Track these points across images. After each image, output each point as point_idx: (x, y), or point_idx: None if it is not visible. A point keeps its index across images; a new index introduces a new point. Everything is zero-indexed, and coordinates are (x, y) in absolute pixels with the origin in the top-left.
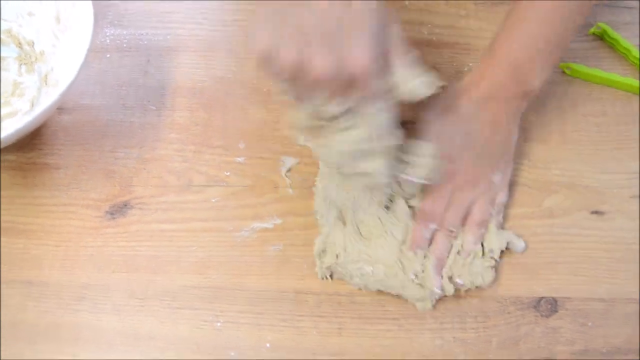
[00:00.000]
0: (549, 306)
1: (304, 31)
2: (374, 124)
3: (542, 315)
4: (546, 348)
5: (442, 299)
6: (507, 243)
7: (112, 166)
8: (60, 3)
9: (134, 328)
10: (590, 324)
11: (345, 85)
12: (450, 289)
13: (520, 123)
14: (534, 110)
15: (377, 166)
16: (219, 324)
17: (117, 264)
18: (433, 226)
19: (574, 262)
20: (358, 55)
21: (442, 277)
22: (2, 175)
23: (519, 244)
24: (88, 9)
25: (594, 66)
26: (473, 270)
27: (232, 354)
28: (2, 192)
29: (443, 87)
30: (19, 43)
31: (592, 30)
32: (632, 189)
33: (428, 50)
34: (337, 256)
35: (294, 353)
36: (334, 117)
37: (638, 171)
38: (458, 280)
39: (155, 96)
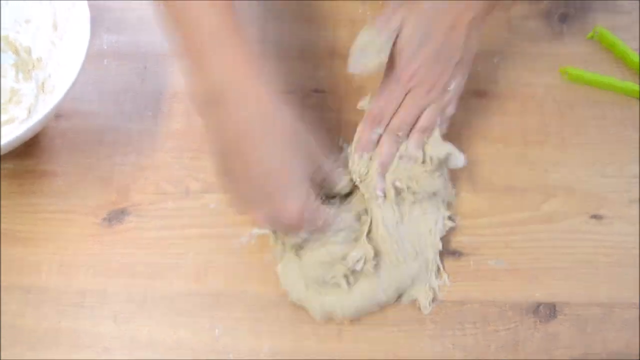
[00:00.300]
0: (547, 311)
1: (243, 193)
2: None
3: (541, 321)
4: (545, 353)
5: (441, 304)
6: (448, 155)
7: (110, 173)
8: (57, 10)
9: (132, 334)
10: (589, 329)
11: (288, 228)
12: (391, 194)
13: (480, 37)
14: (532, 113)
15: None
16: (217, 330)
17: (115, 271)
18: (380, 130)
19: (573, 267)
20: (287, 212)
21: (384, 180)
22: None
23: (459, 158)
24: (85, 15)
25: (592, 70)
26: (412, 175)
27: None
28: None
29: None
30: (16, 50)
31: (590, 34)
32: (631, 193)
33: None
34: None
35: (293, 359)
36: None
37: (637, 175)
38: (397, 183)
39: (152, 102)
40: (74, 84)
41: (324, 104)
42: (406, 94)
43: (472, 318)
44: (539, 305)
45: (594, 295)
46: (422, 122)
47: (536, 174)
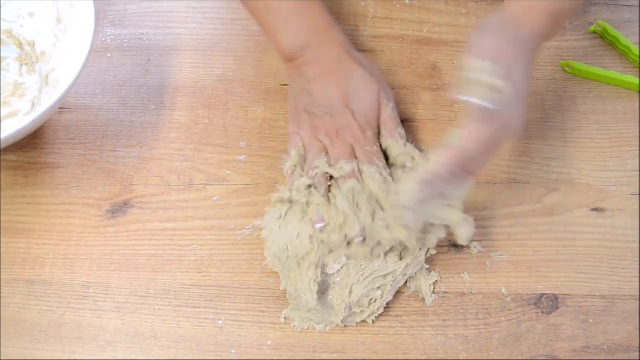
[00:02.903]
0: (550, 303)
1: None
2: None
3: (543, 312)
4: (547, 345)
5: (444, 296)
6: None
7: (113, 165)
8: (61, 3)
9: (135, 327)
10: (591, 320)
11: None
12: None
13: None
14: (534, 107)
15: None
16: (220, 322)
17: (118, 263)
18: (457, 170)
19: (575, 260)
20: (366, 146)
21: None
22: (3, 175)
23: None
24: (89, 9)
25: (594, 64)
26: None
27: (234, 352)
28: (3, 192)
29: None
30: (20, 44)
31: (592, 28)
32: (632, 187)
33: (428, 49)
34: None
35: (296, 351)
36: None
37: (638, 169)
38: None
39: (155, 95)
40: (77, 77)
41: None
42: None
43: (474, 310)
44: (541, 297)
45: (595, 287)
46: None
47: (538, 167)
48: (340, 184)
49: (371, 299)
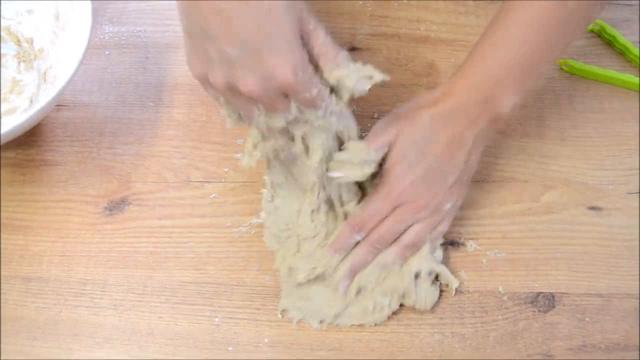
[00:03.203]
0: (546, 301)
1: (227, 55)
2: (327, 128)
3: (539, 311)
4: (544, 343)
5: (441, 294)
6: (437, 275)
7: (111, 162)
8: (59, 1)
9: (132, 324)
10: (587, 319)
11: (279, 96)
12: (352, 292)
13: (480, 157)
14: (531, 106)
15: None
16: (217, 320)
17: (115, 260)
18: (359, 237)
19: (572, 258)
20: (280, 68)
21: (350, 282)
22: (0, 172)
23: (450, 279)
24: (87, 6)
25: (592, 63)
26: (386, 285)
27: (231, 349)
28: (0, 189)
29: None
30: (18, 40)
31: (590, 27)
32: (629, 185)
33: (426, 47)
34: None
35: (292, 348)
36: (285, 129)
37: (636, 167)
38: (362, 283)
39: (153, 93)
40: (75, 74)
41: None
42: (395, 207)
43: (471, 308)
44: (537, 295)
45: (592, 285)
46: (407, 237)
47: (535, 165)
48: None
49: (376, 306)
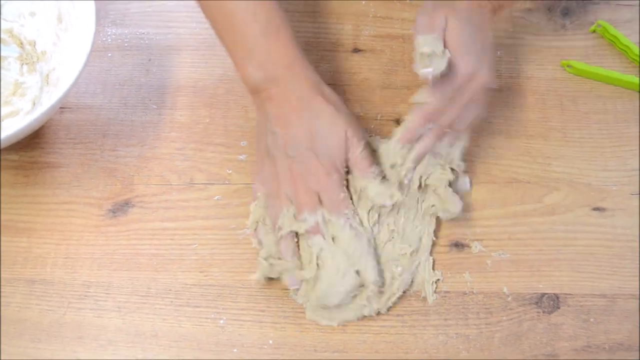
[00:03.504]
0: (551, 302)
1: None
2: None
3: (544, 312)
4: (548, 344)
5: (445, 295)
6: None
7: (114, 165)
8: (61, 3)
9: (136, 326)
10: (592, 320)
11: (312, 195)
12: (414, 186)
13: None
14: (534, 107)
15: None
16: (221, 322)
17: (119, 262)
18: (432, 126)
19: (576, 259)
20: (332, 192)
21: (414, 172)
22: (4, 174)
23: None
24: (90, 8)
25: (594, 64)
26: (433, 175)
27: (235, 351)
28: (4, 191)
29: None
30: (21, 43)
31: (592, 27)
32: (632, 186)
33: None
34: None
35: (297, 350)
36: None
37: (638, 168)
38: (423, 178)
39: (156, 95)
40: (78, 76)
41: None
42: (457, 88)
43: (475, 309)
44: (542, 296)
45: (596, 286)
46: (463, 123)
47: (539, 166)
48: (305, 239)
49: (392, 276)
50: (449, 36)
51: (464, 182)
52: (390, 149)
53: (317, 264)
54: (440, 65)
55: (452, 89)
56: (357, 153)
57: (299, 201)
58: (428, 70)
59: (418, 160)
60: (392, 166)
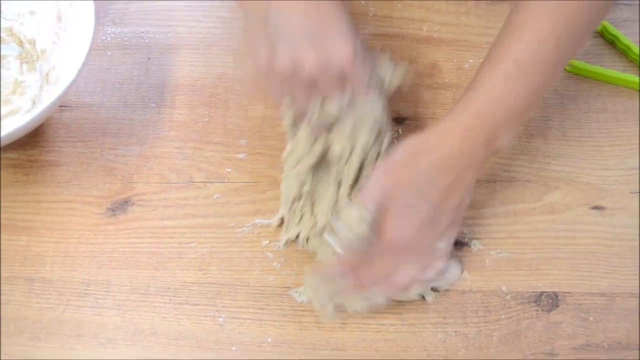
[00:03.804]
0: (550, 301)
1: (289, 39)
2: (370, 122)
3: (543, 310)
4: (547, 343)
5: (444, 294)
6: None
7: (113, 163)
8: (61, 2)
9: (136, 324)
10: (591, 318)
11: (337, 79)
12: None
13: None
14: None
15: None
16: (220, 320)
17: (118, 261)
18: (348, 278)
19: (575, 258)
20: (341, 49)
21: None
22: (3, 172)
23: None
24: (89, 7)
25: (594, 63)
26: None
27: (234, 349)
28: (3, 190)
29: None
30: (20, 42)
31: None
32: (632, 185)
33: (428, 48)
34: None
35: (296, 348)
36: (332, 125)
37: (638, 167)
38: None
39: (156, 93)
40: (77, 75)
41: None
42: (385, 253)
43: (474, 307)
44: (541, 294)
45: (595, 285)
46: (398, 279)
47: (538, 165)
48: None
49: None
50: (390, 204)
51: (454, 269)
52: (306, 284)
53: None
54: (347, 239)
55: (380, 256)
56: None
57: (325, 91)
58: (330, 240)
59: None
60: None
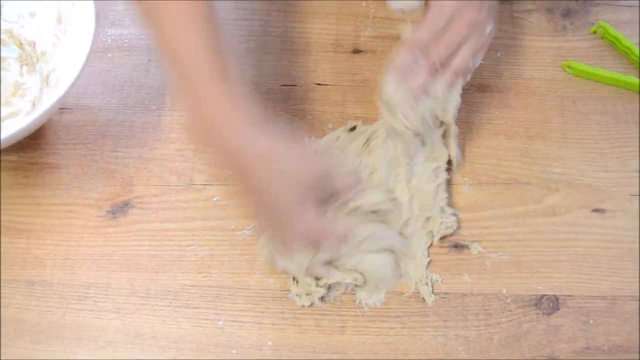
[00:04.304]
0: (550, 304)
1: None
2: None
3: (543, 313)
4: (548, 346)
5: (445, 297)
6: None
7: (113, 165)
8: (61, 3)
9: (136, 327)
10: (591, 321)
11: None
12: (417, 125)
13: None
14: (535, 108)
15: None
16: (220, 323)
17: (118, 263)
18: (421, 59)
19: (575, 260)
20: (290, 232)
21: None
22: (3, 175)
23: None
24: (89, 9)
25: (594, 65)
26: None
27: (234, 352)
28: (3, 192)
29: None
30: (20, 44)
31: (593, 28)
32: (632, 187)
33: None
34: None
35: (296, 351)
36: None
37: (638, 170)
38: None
39: (156, 96)
40: (78, 77)
41: (326, 97)
42: (449, 23)
43: (475, 310)
44: (541, 297)
45: (596, 288)
46: (457, 62)
47: (538, 167)
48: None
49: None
50: None
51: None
52: (389, 93)
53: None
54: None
55: (439, 24)
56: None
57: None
58: (397, 4)
59: (415, 97)
60: (389, 108)
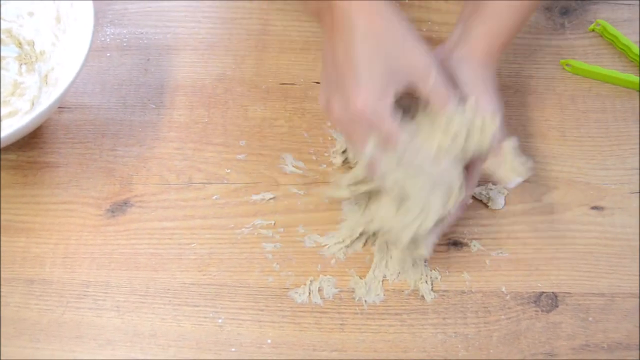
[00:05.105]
0: (549, 301)
1: (329, 85)
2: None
3: (542, 311)
4: (547, 343)
5: (444, 294)
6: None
7: (112, 164)
8: (60, 3)
9: (135, 325)
10: (590, 319)
11: (358, 126)
12: None
13: None
14: (533, 106)
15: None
16: (220, 321)
17: (117, 262)
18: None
19: (574, 258)
20: (355, 96)
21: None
22: (2, 174)
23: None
24: (88, 8)
25: (593, 63)
26: None
27: (233, 350)
28: (2, 191)
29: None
30: (19, 43)
31: (591, 27)
32: (631, 185)
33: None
34: None
35: (296, 349)
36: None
37: (637, 167)
38: None
39: (155, 94)
40: (76, 76)
41: None
42: None
43: (474, 308)
44: (540, 295)
45: (595, 285)
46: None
47: (538, 165)
48: None
49: None
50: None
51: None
52: None
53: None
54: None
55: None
56: (430, 83)
57: (347, 137)
58: (518, 180)
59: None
60: None
